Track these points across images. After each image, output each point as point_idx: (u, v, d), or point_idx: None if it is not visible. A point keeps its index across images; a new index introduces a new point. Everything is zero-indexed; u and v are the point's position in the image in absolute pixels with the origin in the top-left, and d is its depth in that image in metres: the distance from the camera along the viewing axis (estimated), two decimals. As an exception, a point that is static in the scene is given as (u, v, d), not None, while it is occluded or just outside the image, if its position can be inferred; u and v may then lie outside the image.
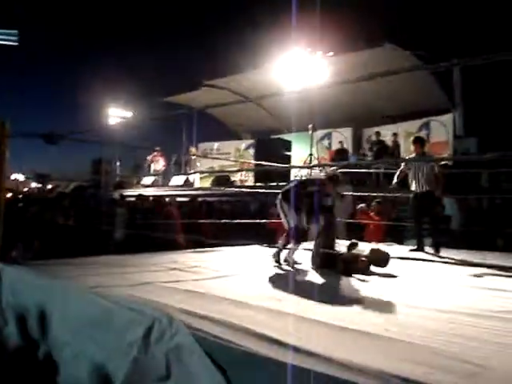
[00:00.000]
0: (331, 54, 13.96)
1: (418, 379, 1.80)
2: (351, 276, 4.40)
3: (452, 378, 1.83)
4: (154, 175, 18.95)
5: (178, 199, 10.96)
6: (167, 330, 2.70)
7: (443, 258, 5.93)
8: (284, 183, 10.74)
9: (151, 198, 10.81)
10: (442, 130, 16.41)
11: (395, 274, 4.56)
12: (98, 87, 23.58)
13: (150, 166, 18.93)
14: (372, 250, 4.91)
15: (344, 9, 18.10)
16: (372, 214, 9.46)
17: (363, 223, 9.07)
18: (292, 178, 13.81)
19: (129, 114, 22.55)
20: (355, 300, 3.43)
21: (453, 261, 5.44)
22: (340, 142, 17.31)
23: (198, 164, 19.92)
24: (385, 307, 3.15)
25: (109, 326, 2.90)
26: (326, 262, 4.86)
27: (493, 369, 1.97)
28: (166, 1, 26.59)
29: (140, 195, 9.84)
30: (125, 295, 3.22)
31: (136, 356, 2.62)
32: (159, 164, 18.73)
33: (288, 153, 14.99)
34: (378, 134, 15.63)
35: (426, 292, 3.78)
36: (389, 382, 1.79)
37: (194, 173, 18.50)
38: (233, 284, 3.98)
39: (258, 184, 13.47)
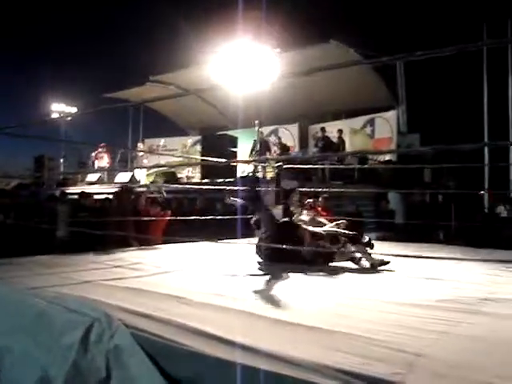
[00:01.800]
0: (278, 50, 14.00)
1: (353, 370, 1.80)
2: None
3: (388, 367, 1.84)
4: (99, 172, 18.53)
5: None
6: (106, 331, 2.63)
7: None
8: (231, 179, 10.79)
9: (94, 195, 10.57)
10: (386, 126, 16.81)
11: (341, 269, 4.63)
12: (41, 83, 22.94)
13: (94, 162, 18.50)
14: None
15: (291, 5, 18.18)
16: (319, 209, 9.55)
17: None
18: (239, 174, 13.84)
19: (73, 109, 22.04)
20: (299, 293, 3.44)
21: (396, 253, 5.55)
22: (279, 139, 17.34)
23: (146, 161, 19.64)
24: (330, 300, 3.17)
25: (48, 329, 2.81)
26: (275, 256, 4.88)
27: (429, 357, 2.00)
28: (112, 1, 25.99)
29: (82, 192, 9.57)
30: (64, 295, 3.12)
31: (75, 359, 2.55)
32: (104, 161, 18.32)
33: (234, 149, 14.96)
34: (323, 129, 15.82)
35: (368, 284, 3.84)
36: (324, 374, 1.80)
37: (140, 168, 18.22)
38: (176, 281, 3.92)
39: (204, 180, 13.39)
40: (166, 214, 8.54)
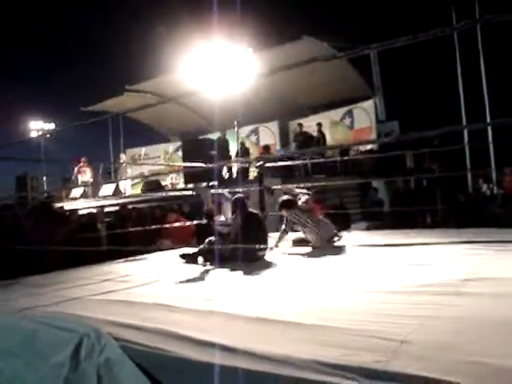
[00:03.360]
0: (250, 49, 14.04)
1: (335, 362, 1.82)
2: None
3: (371, 356, 1.86)
4: (83, 186, 18.42)
5: (107, 209, 10.74)
6: (96, 345, 2.65)
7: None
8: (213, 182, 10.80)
9: (79, 210, 10.55)
10: (364, 116, 16.91)
11: (322, 261, 4.68)
12: (17, 101, 22.75)
13: (77, 177, 18.40)
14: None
15: (262, 4, 18.23)
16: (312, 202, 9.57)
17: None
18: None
19: (51, 126, 21.92)
20: (286, 291, 3.48)
21: (378, 242, 5.59)
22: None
23: (129, 171, 19.57)
24: (309, 294, 3.20)
25: (37, 349, 2.82)
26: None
27: (413, 342, 2.02)
28: (80, 11, 25.82)
29: (60, 208, 9.56)
30: (51, 314, 3.13)
31: (66, 376, 2.56)
32: (87, 175, 18.24)
33: (215, 152, 14.97)
34: (300, 125, 15.88)
35: (350, 275, 3.87)
36: (306, 369, 1.82)
37: (124, 179, 18.14)
38: (164, 289, 3.93)
39: (188, 186, 13.39)
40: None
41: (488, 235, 5.43)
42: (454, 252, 4.51)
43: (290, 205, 5.82)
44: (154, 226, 8.01)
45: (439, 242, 4.96)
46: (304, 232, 5.73)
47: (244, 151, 15.25)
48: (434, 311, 2.50)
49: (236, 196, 5.73)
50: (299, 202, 6.00)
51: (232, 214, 5.53)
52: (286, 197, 6.02)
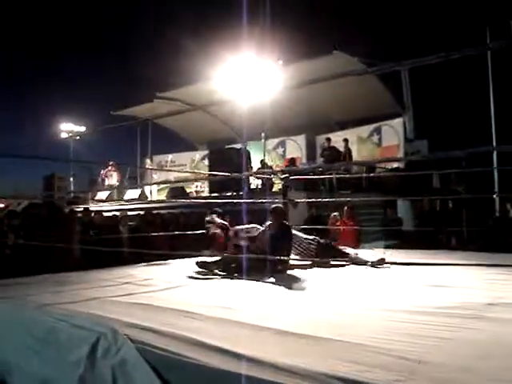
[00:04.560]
0: (280, 62, 14.10)
1: (353, 377, 1.80)
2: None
3: (388, 374, 1.84)
4: (108, 189, 18.65)
5: (130, 213, 10.86)
6: (112, 345, 2.66)
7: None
8: (239, 192, 10.82)
9: (103, 212, 10.67)
10: (393, 133, 16.80)
11: (344, 277, 4.65)
12: (49, 103, 23.17)
13: (104, 180, 18.64)
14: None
15: (294, 17, 18.33)
16: (344, 219, 9.51)
17: (334, 230, 9.07)
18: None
19: (81, 128, 22.26)
20: (302, 302, 3.46)
21: (399, 261, 5.53)
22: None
23: (155, 176, 19.77)
24: (332, 309, 3.18)
25: (55, 345, 2.85)
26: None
27: (431, 363, 1.99)
28: (115, 18, 26.26)
29: (86, 209, 9.68)
30: (71, 312, 3.16)
31: (82, 374, 2.58)
32: (113, 178, 18.46)
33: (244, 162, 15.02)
34: (328, 140, 15.81)
35: (371, 292, 3.84)
36: (324, 382, 1.81)
37: (148, 185, 18.33)
38: (184, 295, 3.95)
39: (212, 194, 13.44)
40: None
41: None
42: (478, 275, 4.43)
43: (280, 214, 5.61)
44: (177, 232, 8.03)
45: (463, 264, 4.88)
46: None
47: (263, 167, 15.28)
48: (454, 333, 2.47)
49: (275, 205, 5.70)
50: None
51: (264, 223, 5.46)
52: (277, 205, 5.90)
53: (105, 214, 10.93)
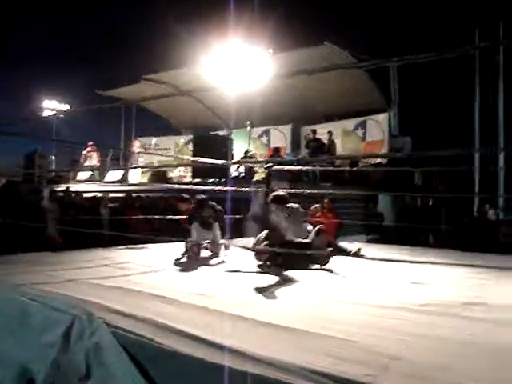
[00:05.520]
0: (271, 51, 14.02)
1: (325, 370, 1.82)
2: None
3: (361, 369, 1.85)
4: (90, 170, 18.47)
5: (112, 195, 10.77)
6: (87, 329, 2.64)
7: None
8: (222, 179, 10.78)
9: (84, 193, 10.57)
10: (377, 128, 16.82)
11: (329, 271, 4.67)
12: (33, 79, 22.80)
13: (85, 160, 18.47)
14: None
15: (285, 6, 18.20)
16: (325, 211, 9.49)
17: (314, 221, 9.04)
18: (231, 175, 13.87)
19: (65, 107, 21.96)
20: (281, 294, 3.47)
21: (383, 257, 5.57)
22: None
23: (141, 159, 19.63)
24: (311, 302, 3.19)
25: (29, 326, 2.82)
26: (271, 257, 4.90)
27: (404, 359, 2.01)
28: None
29: (67, 189, 9.57)
30: (46, 293, 3.14)
31: (56, 357, 2.56)
32: (93, 159, 18.31)
33: (227, 149, 14.96)
34: (314, 131, 15.80)
35: (349, 287, 3.87)
36: (296, 374, 1.82)
37: (132, 168, 18.18)
38: (162, 280, 3.94)
39: (195, 180, 13.39)
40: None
41: (490, 260, 5.41)
42: (456, 274, 4.48)
43: (281, 201, 5.59)
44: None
45: (441, 263, 4.93)
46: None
47: (246, 157, 15.28)
48: (430, 331, 2.49)
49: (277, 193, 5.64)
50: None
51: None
52: (280, 192, 5.81)
53: (85, 195, 10.82)
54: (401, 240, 8.19)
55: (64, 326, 2.56)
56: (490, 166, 14.28)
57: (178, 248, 6.00)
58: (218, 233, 6.02)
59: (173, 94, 17.44)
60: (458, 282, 4.12)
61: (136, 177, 17.77)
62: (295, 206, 5.60)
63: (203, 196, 6.20)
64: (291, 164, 10.28)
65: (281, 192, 5.76)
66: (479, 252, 6.38)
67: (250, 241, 5.72)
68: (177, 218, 8.06)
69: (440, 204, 11.71)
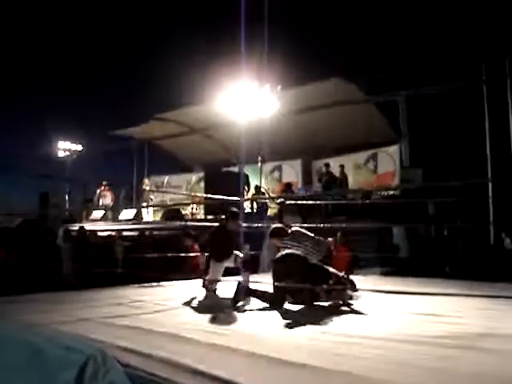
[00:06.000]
0: (279, 87, 14.20)
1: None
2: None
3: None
4: (104, 209, 18.59)
5: (126, 233, 10.83)
6: (101, 368, 2.61)
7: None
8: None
9: (98, 232, 10.63)
10: (389, 160, 16.83)
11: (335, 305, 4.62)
12: (46, 121, 23.17)
13: (99, 199, 18.62)
14: None
15: (292, 42, 18.50)
16: (338, 244, 9.43)
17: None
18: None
19: (78, 147, 22.28)
20: (295, 331, 3.43)
21: (393, 289, 5.50)
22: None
23: (152, 197, 19.75)
24: (323, 337, 3.15)
25: (42, 367, 2.80)
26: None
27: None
28: (109, 42, 26.43)
29: (81, 228, 9.63)
30: (60, 333, 3.12)
31: (69, 398, 2.54)
32: (107, 198, 18.45)
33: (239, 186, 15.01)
34: (327, 165, 15.84)
35: (363, 320, 3.82)
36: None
37: (145, 207, 18.29)
38: (176, 318, 3.92)
39: (208, 217, 13.40)
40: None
41: (507, 290, 5.33)
42: (472, 305, 4.42)
43: (280, 234, 5.45)
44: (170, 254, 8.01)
45: (457, 294, 4.86)
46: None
47: (258, 193, 15.30)
48: (446, 364, 2.44)
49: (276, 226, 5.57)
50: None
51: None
52: (277, 225, 5.70)
53: (99, 234, 10.89)
54: (416, 271, 8.10)
55: (78, 365, 2.53)
56: (504, 194, 14.18)
57: (193, 285, 6.00)
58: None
59: (184, 132, 17.63)
60: (474, 312, 4.05)
61: (149, 215, 17.87)
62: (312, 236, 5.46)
63: (235, 209, 6.19)
64: (303, 199, 10.28)
65: (278, 225, 5.65)
66: (496, 281, 6.30)
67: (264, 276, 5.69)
68: (192, 254, 8.08)
69: (455, 234, 11.60)
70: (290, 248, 5.19)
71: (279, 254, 5.07)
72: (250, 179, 15.85)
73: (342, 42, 19.68)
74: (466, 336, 3.09)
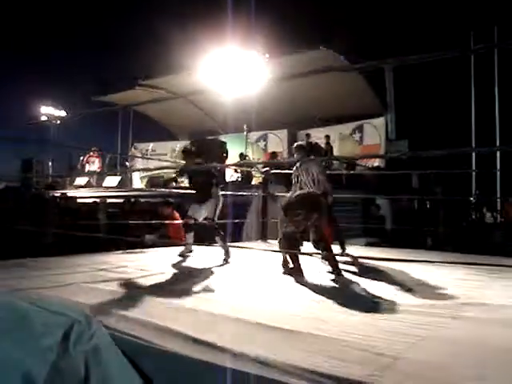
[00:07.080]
0: (267, 56, 14.07)
1: (328, 372, 1.81)
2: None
3: (364, 369, 1.85)
4: (88, 175, 18.45)
5: (110, 200, 10.78)
6: (86, 332, 2.63)
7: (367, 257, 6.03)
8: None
9: (82, 198, 10.57)
10: (374, 132, 16.89)
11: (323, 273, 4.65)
12: (29, 85, 22.79)
13: (84, 166, 18.45)
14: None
15: (281, 11, 18.29)
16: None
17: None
18: (227, 179, 13.87)
19: (62, 112, 21.98)
20: (281, 296, 3.46)
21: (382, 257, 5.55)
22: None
23: (138, 165, 19.67)
24: (310, 304, 3.18)
25: (28, 330, 2.81)
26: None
27: (406, 360, 2.01)
28: (93, 4, 25.89)
29: (63, 194, 9.58)
30: (45, 297, 3.13)
31: (55, 360, 2.55)
32: (95, 165, 18.30)
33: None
34: (307, 135, 15.86)
35: (350, 289, 3.87)
36: (299, 376, 1.82)
37: (129, 171, 18.19)
38: (160, 284, 3.93)
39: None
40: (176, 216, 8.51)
41: (488, 261, 5.41)
42: (453, 275, 4.48)
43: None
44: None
45: (438, 264, 4.92)
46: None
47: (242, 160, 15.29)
48: (429, 332, 2.49)
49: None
50: None
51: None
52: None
53: (83, 200, 10.82)
54: (399, 243, 8.19)
55: (63, 329, 2.55)
56: (487, 168, 14.33)
57: (176, 251, 6.02)
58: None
59: (170, 97, 17.44)
60: (455, 282, 4.12)
61: (136, 182, 17.81)
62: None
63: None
64: (288, 168, 10.28)
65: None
66: (477, 254, 6.38)
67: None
68: (176, 222, 8.07)
69: (437, 207, 11.73)
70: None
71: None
72: (235, 148, 15.80)
73: (330, 12, 19.46)
74: (448, 305, 3.15)
